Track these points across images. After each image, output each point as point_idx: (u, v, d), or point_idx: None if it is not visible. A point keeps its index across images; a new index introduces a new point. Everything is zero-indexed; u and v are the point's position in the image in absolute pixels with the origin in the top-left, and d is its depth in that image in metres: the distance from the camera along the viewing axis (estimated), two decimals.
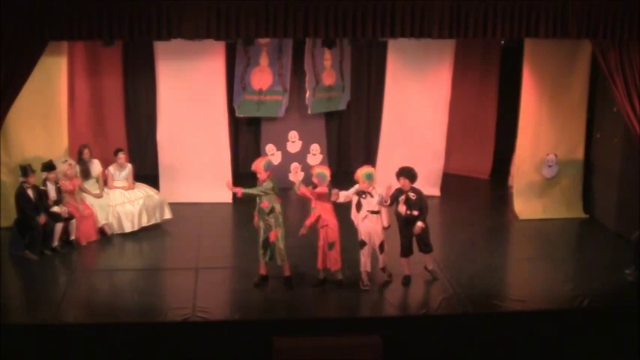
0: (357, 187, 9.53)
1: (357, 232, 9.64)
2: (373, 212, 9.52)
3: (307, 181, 13.20)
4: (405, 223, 9.66)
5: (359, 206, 9.54)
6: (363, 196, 9.49)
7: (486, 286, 9.78)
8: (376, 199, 9.47)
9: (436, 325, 9.12)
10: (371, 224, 9.56)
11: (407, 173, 9.55)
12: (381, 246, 9.65)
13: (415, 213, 9.57)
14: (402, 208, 9.60)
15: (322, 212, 9.49)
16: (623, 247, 10.77)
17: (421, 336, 9.01)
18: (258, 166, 9.40)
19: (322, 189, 9.47)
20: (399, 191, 9.60)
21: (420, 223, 9.54)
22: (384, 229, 9.64)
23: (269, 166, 9.45)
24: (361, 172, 9.49)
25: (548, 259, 10.78)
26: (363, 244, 9.61)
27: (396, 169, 9.66)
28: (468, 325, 9.13)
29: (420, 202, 9.57)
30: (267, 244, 9.53)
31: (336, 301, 9.48)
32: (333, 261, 9.61)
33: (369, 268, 9.69)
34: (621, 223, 11.49)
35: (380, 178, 12.96)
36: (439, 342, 9.01)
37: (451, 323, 9.14)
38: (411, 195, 9.56)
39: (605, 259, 10.69)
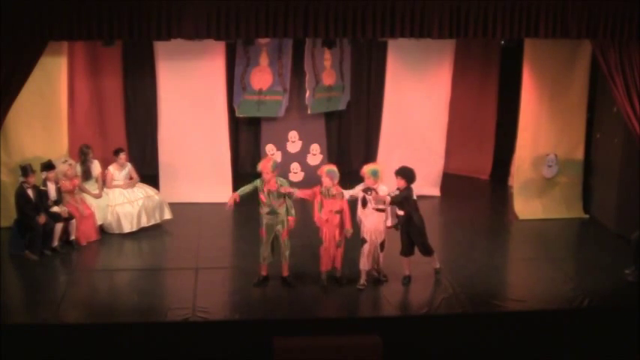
0: (363, 184, 9.56)
1: (360, 229, 9.65)
2: (378, 209, 9.54)
3: (307, 181, 13.26)
4: (401, 222, 9.68)
5: (364, 203, 9.56)
6: (369, 192, 9.50)
7: (486, 286, 9.78)
8: (381, 195, 9.48)
9: (436, 325, 9.12)
10: (375, 222, 9.59)
11: (402, 173, 9.57)
12: (382, 245, 9.67)
13: (400, 213, 9.61)
14: (396, 208, 9.63)
15: (332, 214, 9.51)
16: (623, 247, 10.77)
17: (421, 336, 9.01)
18: (266, 166, 9.41)
19: (337, 189, 9.51)
20: (397, 189, 9.62)
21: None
22: (388, 228, 9.66)
23: (276, 167, 9.48)
24: (367, 168, 9.53)
25: (548, 259, 10.78)
26: (364, 241, 9.63)
27: (396, 168, 9.68)
28: (468, 325, 9.13)
29: (404, 200, 9.57)
30: (277, 244, 9.54)
31: (336, 301, 9.48)
32: (338, 259, 9.64)
33: (368, 267, 9.69)
34: (621, 223, 11.49)
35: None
36: (439, 342, 9.01)
37: (451, 323, 9.14)
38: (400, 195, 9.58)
39: (605, 259, 10.69)
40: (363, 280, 9.71)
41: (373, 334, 8.76)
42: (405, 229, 9.68)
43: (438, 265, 9.99)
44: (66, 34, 9.00)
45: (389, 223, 9.67)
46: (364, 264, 9.68)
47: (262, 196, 9.44)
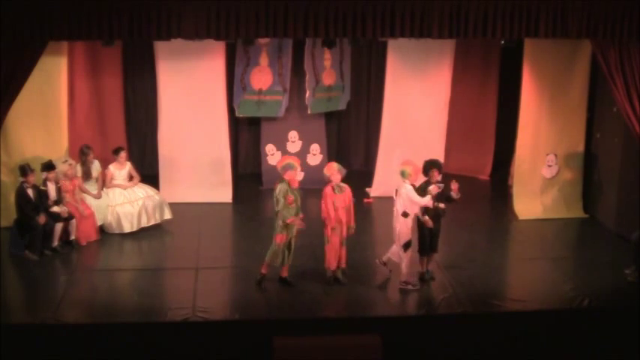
0: (408, 187, 9.42)
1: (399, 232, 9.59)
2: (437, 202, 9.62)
3: (308, 181, 13.27)
4: (433, 217, 9.62)
5: (406, 212, 9.55)
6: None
7: (486, 286, 9.78)
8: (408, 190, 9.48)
9: (436, 325, 9.12)
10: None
11: (438, 165, 9.58)
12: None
13: (442, 206, 9.60)
14: (430, 201, 9.55)
15: (343, 211, 9.52)
16: (623, 247, 10.77)
17: (421, 336, 9.01)
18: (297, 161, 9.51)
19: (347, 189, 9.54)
20: (427, 183, 9.56)
21: (427, 217, 9.53)
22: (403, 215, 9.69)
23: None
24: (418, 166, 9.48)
25: (548, 259, 10.79)
26: (410, 244, 9.56)
27: (424, 162, 9.64)
28: (468, 325, 9.13)
29: (444, 194, 9.59)
30: (289, 246, 9.53)
31: (336, 301, 9.49)
32: (344, 258, 9.65)
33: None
34: (621, 223, 11.49)
35: (380, 178, 13.07)
36: (439, 342, 9.01)
37: (451, 323, 9.14)
38: (439, 186, 9.57)
39: (605, 259, 10.70)
40: (413, 279, 9.66)
41: (373, 334, 8.76)
42: (435, 223, 9.65)
43: (430, 267, 9.99)
44: (66, 34, 9.00)
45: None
46: (408, 266, 9.59)
47: (290, 198, 9.37)
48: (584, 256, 10.92)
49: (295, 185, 9.41)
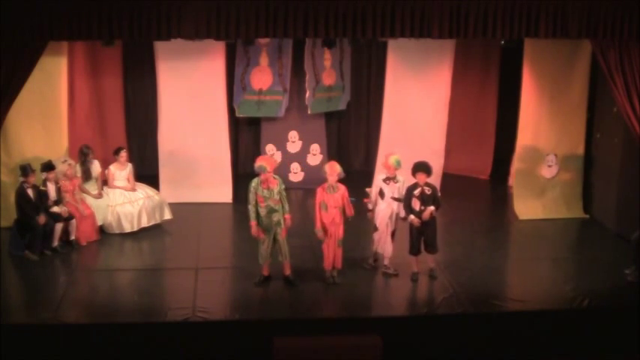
0: (381, 177, 9.81)
1: (374, 218, 9.90)
2: (395, 199, 9.72)
3: (307, 181, 13.28)
4: (426, 218, 9.68)
5: (382, 193, 9.72)
6: (387, 182, 9.66)
7: (486, 286, 9.78)
8: (399, 185, 9.72)
9: (436, 325, 9.12)
10: (390, 211, 9.75)
11: (424, 168, 9.61)
12: (393, 233, 9.88)
13: (427, 214, 9.64)
14: (416, 204, 9.62)
15: (337, 210, 9.53)
16: (623, 247, 10.77)
17: (421, 336, 9.01)
18: (270, 163, 9.46)
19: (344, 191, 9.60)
20: (414, 186, 9.62)
21: (431, 208, 9.59)
22: (403, 219, 9.83)
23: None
24: (393, 158, 9.69)
25: (548, 259, 10.78)
26: (375, 229, 9.88)
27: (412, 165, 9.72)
28: (468, 325, 9.13)
29: (434, 196, 9.65)
30: (276, 244, 9.52)
31: (336, 301, 9.48)
32: (339, 259, 9.65)
33: (380, 251, 9.92)
34: (621, 223, 11.49)
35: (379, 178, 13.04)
36: (439, 342, 9.01)
37: (451, 323, 9.14)
38: (426, 190, 9.60)
39: (605, 259, 10.70)
40: (371, 260, 10.01)
41: (373, 334, 8.76)
42: (419, 226, 9.68)
43: (433, 265, 10.00)
44: (66, 34, 8.99)
45: (402, 214, 9.78)
46: (379, 247, 9.92)
47: (260, 197, 9.42)
48: (584, 256, 10.92)
49: (267, 186, 9.37)
